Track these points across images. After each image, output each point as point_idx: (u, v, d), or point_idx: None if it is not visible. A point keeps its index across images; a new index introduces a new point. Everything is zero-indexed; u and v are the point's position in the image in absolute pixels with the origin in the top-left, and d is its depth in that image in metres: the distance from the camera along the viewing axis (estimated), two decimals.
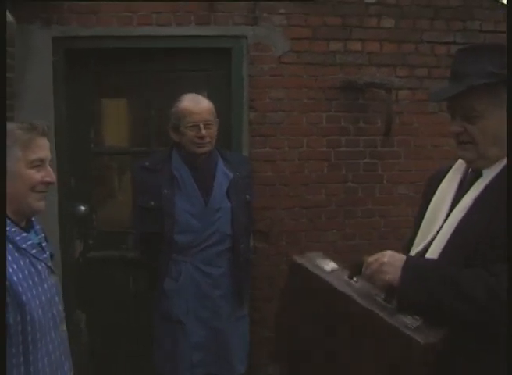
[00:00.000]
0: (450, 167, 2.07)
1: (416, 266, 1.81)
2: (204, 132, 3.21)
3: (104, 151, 4.35)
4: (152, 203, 3.23)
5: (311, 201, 4.26)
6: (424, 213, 2.03)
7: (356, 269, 1.89)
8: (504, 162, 1.86)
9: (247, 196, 3.42)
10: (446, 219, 1.91)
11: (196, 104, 3.25)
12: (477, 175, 1.91)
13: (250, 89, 4.14)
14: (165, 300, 3.31)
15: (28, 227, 2.08)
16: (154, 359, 3.44)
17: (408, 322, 1.73)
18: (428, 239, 1.92)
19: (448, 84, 1.94)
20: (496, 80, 1.82)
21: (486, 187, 1.86)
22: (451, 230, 1.87)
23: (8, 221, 1.93)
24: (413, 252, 1.95)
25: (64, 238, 4.08)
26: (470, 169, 1.96)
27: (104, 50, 4.06)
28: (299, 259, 2.00)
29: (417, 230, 2.04)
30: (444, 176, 2.05)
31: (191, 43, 4.08)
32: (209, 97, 3.38)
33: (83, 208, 4.22)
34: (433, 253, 1.87)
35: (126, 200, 4.16)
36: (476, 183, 1.89)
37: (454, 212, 1.89)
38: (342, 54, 4.22)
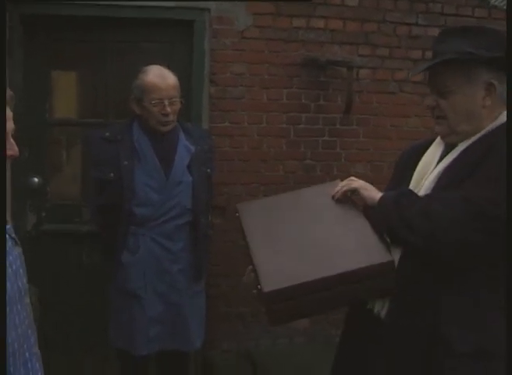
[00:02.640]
0: (428, 141, 2.13)
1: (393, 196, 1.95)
2: (168, 109, 3.16)
3: (60, 122, 4.24)
4: (111, 175, 3.16)
5: (269, 178, 4.25)
6: (396, 185, 2.11)
7: None
8: (476, 137, 1.93)
9: (208, 170, 3.39)
10: None
11: (162, 79, 3.17)
12: (452, 148, 1.99)
13: (212, 63, 4.09)
14: (122, 273, 3.26)
15: None
16: (110, 334, 3.40)
17: None
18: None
19: (427, 61, 2.03)
20: (469, 58, 1.87)
21: (454, 160, 1.94)
22: (429, 188, 1.96)
23: None
24: None
25: (17, 210, 3.97)
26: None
27: (62, 17, 3.94)
28: (240, 207, 2.23)
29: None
30: (421, 150, 2.11)
31: (152, 14, 3.99)
32: (170, 69, 3.30)
33: (36, 180, 4.12)
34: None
35: (82, 172, 4.07)
36: (447, 156, 1.97)
37: (427, 180, 1.98)
38: (304, 31, 4.19)
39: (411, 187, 2.03)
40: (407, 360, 1.90)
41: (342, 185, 2.11)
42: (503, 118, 1.93)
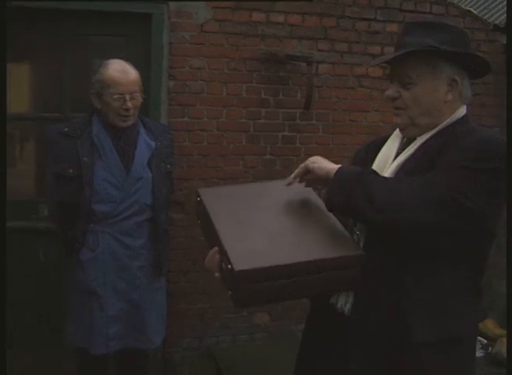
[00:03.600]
0: (384, 138, 2.14)
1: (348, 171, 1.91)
2: (129, 104, 3.09)
3: (14, 117, 4.13)
4: (71, 171, 3.09)
5: (228, 173, 4.23)
6: None
7: None
8: (435, 130, 1.94)
9: (169, 166, 3.34)
10: None
11: (123, 74, 3.11)
12: (410, 142, 1.99)
13: (170, 57, 4.04)
14: (81, 271, 3.20)
15: None
16: (67, 332, 3.34)
17: None
18: None
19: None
20: (435, 51, 1.90)
21: (413, 153, 1.94)
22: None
23: None
24: None
25: None
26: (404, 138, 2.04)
27: (15, 9, 3.81)
28: (202, 192, 2.16)
29: None
30: (378, 146, 2.11)
31: (109, 6, 3.92)
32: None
33: None
34: None
35: (38, 168, 3.98)
36: (406, 148, 1.98)
37: (390, 168, 1.98)
38: (264, 25, 4.17)
39: None
40: (372, 354, 1.90)
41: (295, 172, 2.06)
42: (460, 113, 1.96)
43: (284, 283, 1.82)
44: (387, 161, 2.03)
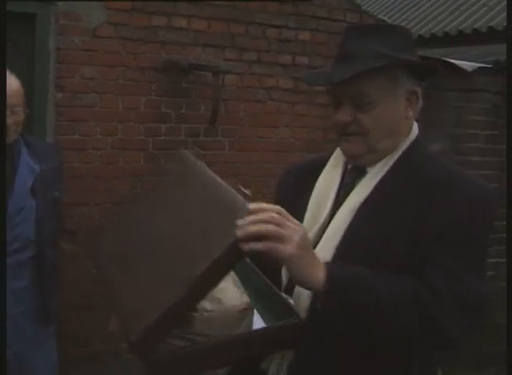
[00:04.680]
0: (316, 161, 1.81)
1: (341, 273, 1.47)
2: (9, 120, 2.67)
3: None
4: None
5: (125, 196, 3.89)
6: (281, 204, 1.68)
7: None
8: (394, 158, 1.65)
9: (56, 193, 2.93)
10: (329, 223, 1.64)
11: None
12: (359, 172, 1.67)
13: (58, 65, 3.72)
14: None
15: None
16: None
17: None
18: (311, 235, 1.62)
19: (334, 66, 1.66)
20: (392, 62, 1.60)
21: (376, 188, 1.62)
22: (338, 238, 1.59)
23: None
24: None
25: None
26: (350, 166, 1.71)
27: None
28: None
29: None
30: (311, 172, 1.77)
31: None
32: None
33: None
34: (325, 248, 1.61)
35: None
36: (362, 182, 1.65)
37: (339, 214, 1.63)
38: (165, 30, 3.91)
39: (307, 222, 1.67)
40: None
41: (250, 224, 1.39)
42: (414, 132, 1.69)
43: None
44: (328, 196, 1.69)
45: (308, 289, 1.47)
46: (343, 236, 1.59)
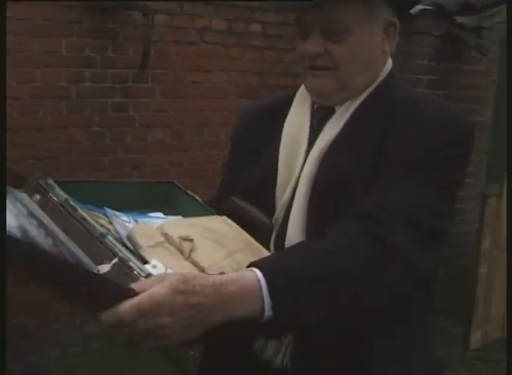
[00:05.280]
0: (278, 102, 1.61)
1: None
2: None
3: None
4: None
5: (46, 151, 3.57)
6: (246, 168, 1.56)
7: None
8: (364, 94, 1.46)
9: None
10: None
11: None
12: (327, 112, 1.48)
13: None
14: None
15: None
16: None
17: None
18: (288, 190, 1.48)
19: None
20: None
21: (345, 127, 1.45)
22: (310, 178, 1.44)
23: None
24: (278, 205, 1.49)
25: None
26: (316, 105, 1.51)
27: None
28: None
29: (233, 179, 1.59)
30: (272, 115, 1.58)
31: None
32: None
33: None
34: (298, 204, 1.45)
35: None
36: (329, 123, 1.47)
37: (307, 165, 1.46)
38: None
39: (281, 176, 1.49)
40: None
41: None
42: (388, 67, 1.51)
43: None
44: (300, 140, 1.50)
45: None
46: (312, 188, 1.43)
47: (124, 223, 1.40)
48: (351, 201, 1.35)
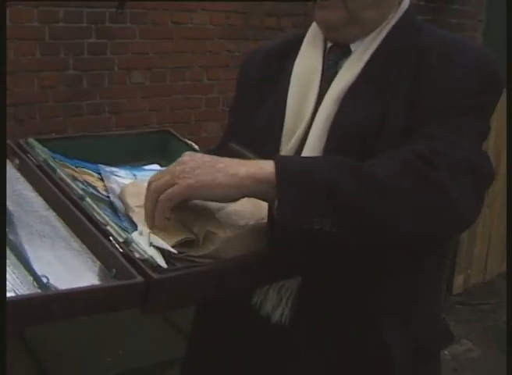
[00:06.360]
0: (287, 42, 1.48)
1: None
2: None
3: None
4: None
5: (19, 97, 3.34)
6: (253, 111, 1.45)
7: None
8: (382, 34, 1.34)
9: None
10: (315, 112, 1.34)
11: None
12: (342, 52, 1.37)
13: None
14: None
15: None
16: None
17: None
18: (296, 137, 1.36)
19: None
20: None
21: (364, 70, 1.33)
22: (327, 122, 1.31)
23: None
24: (283, 152, 1.38)
25: None
26: (330, 45, 1.39)
27: None
28: None
29: (237, 124, 1.49)
30: (280, 56, 1.47)
31: None
32: None
33: None
34: (310, 152, 1.34)
35: None
36: (346, 64, 1.35)
37: (322, 109, 1.34)
38: None
39: (289, 123, 1.37)
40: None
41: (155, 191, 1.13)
42: (406, 3, 1.38)
43: None
44: (311, 82, 1.38)
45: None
46: (328, 133, 1.30)
47: (119, 179, 1.29)
48: (376, 149, 1.23)
